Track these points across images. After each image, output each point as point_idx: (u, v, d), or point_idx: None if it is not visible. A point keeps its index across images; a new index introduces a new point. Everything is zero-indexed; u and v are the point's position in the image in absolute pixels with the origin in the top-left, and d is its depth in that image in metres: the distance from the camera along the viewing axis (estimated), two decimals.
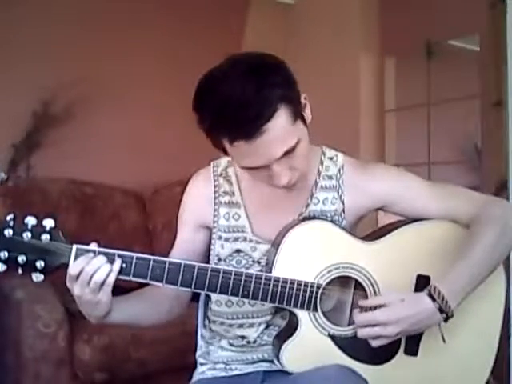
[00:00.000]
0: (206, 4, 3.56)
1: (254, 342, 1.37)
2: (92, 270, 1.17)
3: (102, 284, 1.18)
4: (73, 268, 1.17)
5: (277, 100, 1.14)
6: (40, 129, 3.04)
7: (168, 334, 2.46)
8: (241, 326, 1.38)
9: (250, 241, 1.36)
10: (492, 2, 2.58)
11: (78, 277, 1.17)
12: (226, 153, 1.23)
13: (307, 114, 1.25)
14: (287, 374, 1.27)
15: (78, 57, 3.11)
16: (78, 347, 2.35)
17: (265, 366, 1.36)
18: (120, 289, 1.26)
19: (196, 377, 1.43)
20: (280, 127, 1.15)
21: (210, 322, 1.45)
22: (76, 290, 1.18)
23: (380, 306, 1.22)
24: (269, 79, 1.15)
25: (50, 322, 2.28)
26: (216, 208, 1.39)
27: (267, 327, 1.37)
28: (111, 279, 1.18)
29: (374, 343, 1.22)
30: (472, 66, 3.31)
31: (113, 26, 3.28)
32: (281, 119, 1.15)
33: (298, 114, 1.20)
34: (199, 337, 1.50)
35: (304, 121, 1.23)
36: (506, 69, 2.31)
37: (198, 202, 1.41)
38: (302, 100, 1.24)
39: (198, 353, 1.47)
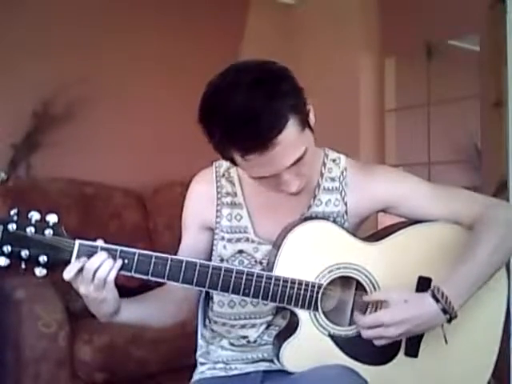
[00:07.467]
0: (205, 4, 3.56)
1: (255, 341, 1.37)
2: (94, 266, 1.17)
3: (105, 280, 1.17)
4: (73, 266, 1.16)
5: (287, 110, 1.14)
6: (40, 129, 3.04)
7: (168, 334, 2.46)
8: (243, 326, 1.38)
9: (253, 241, 1.36)
10: (492, 2, 2.59)
11: (79, 274, 1.17)
12: (234, 163, 1.22)
13: (311, 118, 1.24)
14: (287, 373, 1.27)
15: (78, 57, 3.10)
16: (79, 347, 2.35)
17: (264, 366, 1.36)
18: (125, 288, 1.26)
19: (196, 376, 1.43)
20: (291, 137, 1.15)
21: (210, 322, 1.45)
22: (81, 288, 1.18)
23: (381, 302, 1.22)
24: (278, 89, 1.13)
25: (51, 322, 2.28)
26: (218, 209, 1.38)
27: (268, 327, 1.37)
28: (113, 275, 1.18)
29: (377, 342, 1.22)
30: (472, 66, 3.32)
31: (113, 26, 3.28)
32: (291, 129, 1.15)
33: (305, 122, 1.19)
34: (199, 336, 1.50)
35: (310, 127, 1.22)
36: (506, 69, 2.31)
37: (200, 203, 1.40)
38: (307, 106, 1.23)
39: (199, 353, 1.47)
